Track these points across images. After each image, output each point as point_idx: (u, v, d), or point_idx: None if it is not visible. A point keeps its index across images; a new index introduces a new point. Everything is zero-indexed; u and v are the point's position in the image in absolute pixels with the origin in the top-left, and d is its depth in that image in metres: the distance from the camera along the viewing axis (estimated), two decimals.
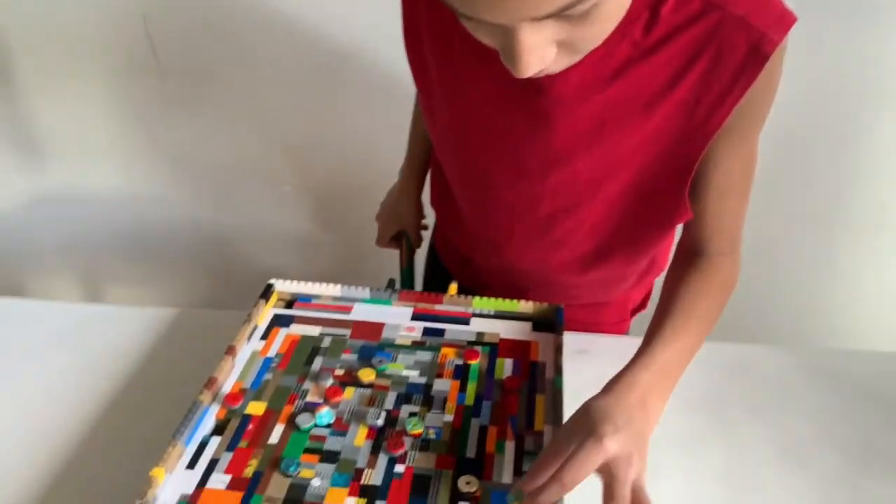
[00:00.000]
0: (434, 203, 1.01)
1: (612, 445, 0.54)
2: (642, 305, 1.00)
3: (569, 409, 0.62)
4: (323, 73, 1.40)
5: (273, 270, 1.58)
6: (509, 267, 0.87)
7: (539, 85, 0.64)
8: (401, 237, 1.08)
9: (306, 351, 0.78)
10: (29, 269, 1.80)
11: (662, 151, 0.67)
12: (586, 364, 0.79)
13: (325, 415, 0.68)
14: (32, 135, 1.56)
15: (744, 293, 0.84)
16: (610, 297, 0.93)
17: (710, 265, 0.72)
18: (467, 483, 0.61)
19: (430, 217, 1.09)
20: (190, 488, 0.61)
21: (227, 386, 0.72)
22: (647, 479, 0.60)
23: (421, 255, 1.11)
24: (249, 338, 0.79)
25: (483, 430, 0.68)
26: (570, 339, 0.83)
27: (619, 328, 0.97)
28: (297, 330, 0.81)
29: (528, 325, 0.82)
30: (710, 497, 0.67)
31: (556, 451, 0.56)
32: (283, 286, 0.86)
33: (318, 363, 0.76)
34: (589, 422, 0.56)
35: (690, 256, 0.74)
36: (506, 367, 0.76)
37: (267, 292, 0.84)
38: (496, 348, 0.79)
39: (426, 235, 1.12)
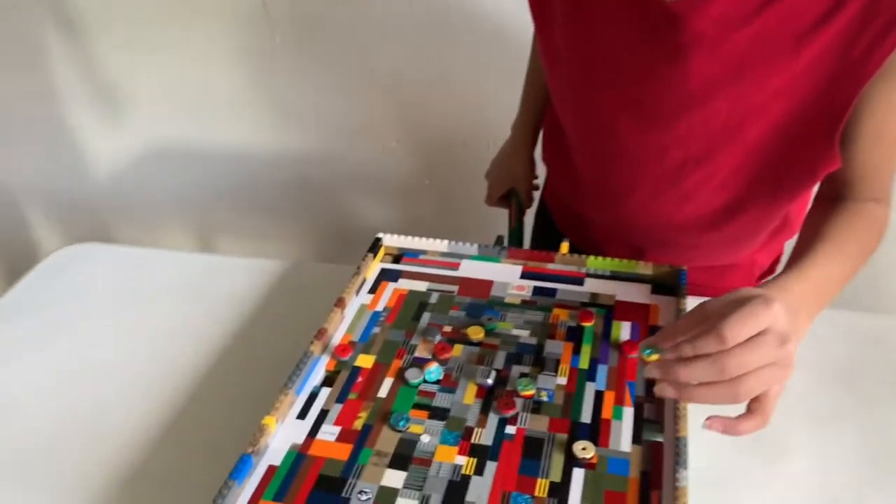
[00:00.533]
0: (546, 157, 0.96)
1: (781, 312, 0.48)
2: (770, 270, 0.93)
3: None
4: (433, 25, 1.37)
5: (379, 226, 1.59)
6: (628, 224, 0.82)
7: (676, 18, 0.59)
8: (510, 196, 1.04)
9: (414, 306, 0.76)
10: (143, 222, 1.89)
11: (811, 94, 0.60)
12: None
13: (435, 371, 0.66)
14: (144, 89, 1.62)
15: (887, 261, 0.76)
16: (735, 258, 0.86)
17: (857, 208, 0.67)
18: (583, 449, 0.58)
19: (542, 175, 1.05)
20: (300, 438, 0.61)
21: (337, 338, 0.72)
22: (776, 456, 0.56)
23: (530, 216, 1.07)
24: (358, 291, 0.78)
25: (599, 395, 0.64)
26: (693, 304, 0.77)
27: None
28: (405, 285, 0.79)
29: (646, 288, 0.77)
30: (846, 480, 0.61)
31: (704, 313, 0.50)
32: (391, 241, 0.85)
33: (425, 319, 0.74)
34: (746, 293, 0.50)
35: (835, 201, 0.68)
36: (623, 330, 0.72)
37: (375, 246, 0.83)
38: (612, 311, 0.74)
39: (536, 196, 1.07)
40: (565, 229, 0.97)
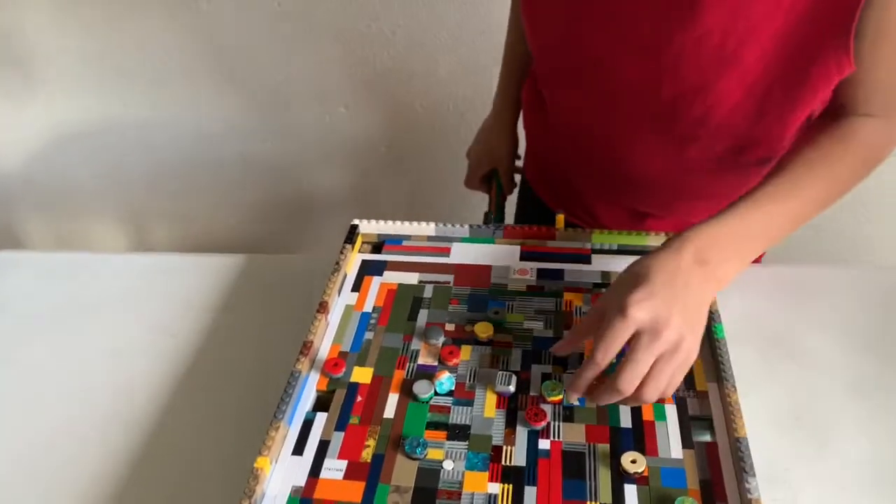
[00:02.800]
0: (528, 125, 0.88)
1: (639, 314, 0.49)
2: None
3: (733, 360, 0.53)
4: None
5: (336, 204, 1.47)
6: (626, 179, 0.75)
7: None
8: (492, 178, 0.95)
9: (407, 303, 0.67)
10: (63, 215, 1.71)
11: None
12: (730, 298, 0.67)
13: (446, 381, 0.58)
14: (51, 60, 1.43)
15: None
16: None
17: (851, 124, 0.61)
18: (633, 462, 0.51)
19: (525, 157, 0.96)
20: (301, 479, 0.52)
21: (325, 350, 0.62)
22: (826, 438, 0.50)
23: (510, 204, 0.98)
24: (340, 290, 0.68)
25: None
26: None
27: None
28: (393, 278, 0.70)
29: None
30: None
31: (588, 322, 0.55)
32: (368, 227, 0.75)
33: (423, 317, 0.65)
34: (620, 288, 0.52)
35: (832, 117, 0.62)
36: None
37: (352, 235, 0.73)
38: None
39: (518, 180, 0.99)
40: (554, 204, 0.89)
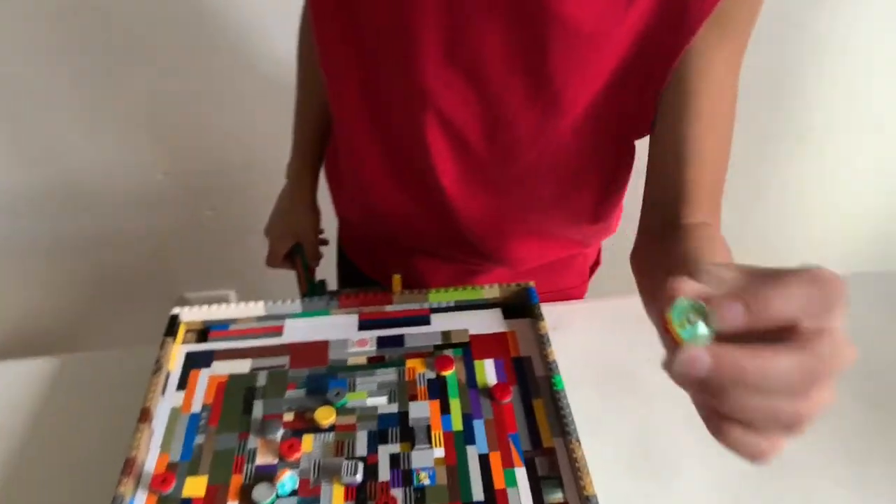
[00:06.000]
0: (337, 199, 0.85)
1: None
2: (597, 261, 0.91)
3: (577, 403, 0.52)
4: (188, 43, 1.18)
5: (164, 281, 1.37)
6: (450, 233, 0.72)
7: None
8: (295, 254, 0.89)
9: (240, 395, 0.62)
10: None
11: (639, 43, 0.55)
12: (566, 341, 0.68)
13: (287, 481, 0.54)
14: None
15: None
16: (571, 249, 0.81)
17: (701, 231, 0.54)
18: None
19: (329, 227, 0.93)
20: None
21: (151, 463, 0.56)
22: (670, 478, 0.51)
23: (327, 273, 0.93)
24: (164, 390, 0.62)
25: (484, 461, 0.56)
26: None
27: (581, 291, 0.87)
28: (222, 368, 0.65)
29: (497, 314, 0.70)
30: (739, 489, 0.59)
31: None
32: (190, 314, 0.69)
33: (258, 409, 0.61)
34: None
35: (661, 231, 0.57)
36: (487, 370, 0.64)
37: (172, 326, 0.67)
38: (469, 348, 0.66)
39: (326, 250, 0.94)
40: (380, 276, 0.86)
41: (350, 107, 0.68)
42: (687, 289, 0.32)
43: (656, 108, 0.58)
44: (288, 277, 0.89)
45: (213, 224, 1.39)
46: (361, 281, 0.90)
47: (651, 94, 0.57)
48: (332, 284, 0.92)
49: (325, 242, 0.94)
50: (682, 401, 0.60)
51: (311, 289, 0.85)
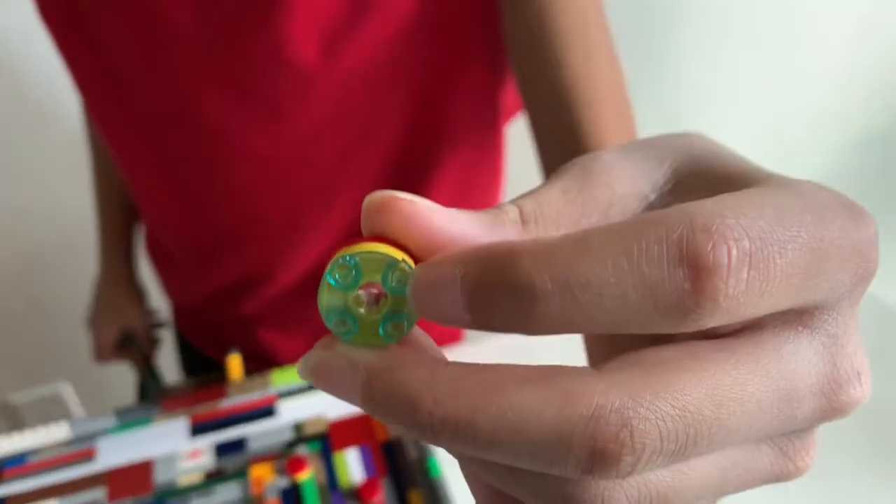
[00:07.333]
0: (165, 279, 0.75)
1: None
2: None
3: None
4: None
5: None
6: (282, 300, 0.65)
7: None
8: (127, 343, 0.78)
9: None
10: None
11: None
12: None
13: None
14: None
15: None
16: None
17: None
18: None
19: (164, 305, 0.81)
20: None
21: None
22: None
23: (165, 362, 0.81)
24: None
25: None
26: None
27: (456, 336, 0.79)
28: None
29: None
30: None
31: None
32: None
33: None
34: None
35: None
36: (350, 465, 0.54)
37: None
38: (327, 440, 0.56)
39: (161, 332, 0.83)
40: (221, 355, 0.76)
41: (138, 166, 0.59)
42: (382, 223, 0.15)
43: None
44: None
45: (34, 312, 1.20)
46: (206, 366, 0.78)
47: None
48: (174, 373, 0.80)
49: (160, 325, 0.82)
50: None
51: (154, 379, 0.73)
